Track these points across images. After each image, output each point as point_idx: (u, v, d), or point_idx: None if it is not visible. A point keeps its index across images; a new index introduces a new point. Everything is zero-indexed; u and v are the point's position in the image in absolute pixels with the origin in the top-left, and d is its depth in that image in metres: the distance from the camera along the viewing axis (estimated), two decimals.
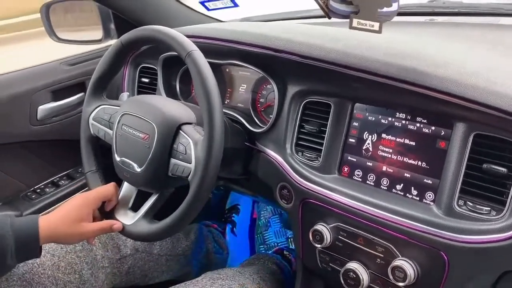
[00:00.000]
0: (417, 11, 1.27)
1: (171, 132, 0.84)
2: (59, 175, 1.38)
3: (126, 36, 0.92)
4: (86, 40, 1.43)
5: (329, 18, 0.75)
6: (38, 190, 1.33)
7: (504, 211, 0.69)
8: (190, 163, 0.81)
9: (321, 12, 0.76)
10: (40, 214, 0.82)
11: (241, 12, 1.51)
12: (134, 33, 0.90)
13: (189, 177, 0.81)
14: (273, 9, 1.57)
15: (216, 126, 0.78)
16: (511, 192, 0.68)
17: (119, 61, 0.96)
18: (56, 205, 1.30)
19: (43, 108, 1.28)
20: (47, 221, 0.80)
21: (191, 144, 0.82)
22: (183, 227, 0.85)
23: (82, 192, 0.92)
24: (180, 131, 0.84)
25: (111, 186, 0.90)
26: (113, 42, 0.97)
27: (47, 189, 1.34)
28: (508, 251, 0.67)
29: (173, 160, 0.84)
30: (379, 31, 0.73)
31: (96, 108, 0.97)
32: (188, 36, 0.85)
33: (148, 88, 1.25)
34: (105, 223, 0.87)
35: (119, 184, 0.94)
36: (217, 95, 0.80)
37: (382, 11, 0.73)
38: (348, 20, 0.74)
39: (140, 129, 0.86)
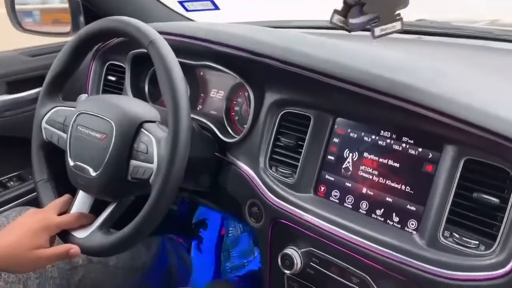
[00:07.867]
0: (404, 29, 1.23)
1: (132, 130, 0.77)
2: (9, 175, 1.28)
3: (84, 29, 0.86)
4: (53, 32, 1.40)
5: (350, 32, 0.74)
6: None
7: (494, 246, 0.63)
8: (152, 163, 0.75)
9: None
10: None
11: (222, 17, 1.45)
12: (93, 25, 0.85)
13: (151, 179, 0.75)
14: (258, 16, 1.51)
15: (182, 119, 0.73)
16: (503, 225, 0.63)
17: (77, 58, 0.90)
18: (2, 208, 1.19)
19: None
20: None
21: (154, 142, 0.76)
22: (144, 237, 0.78)
23: (37, 209, 0.84)
24: (142, 129, 0.78)
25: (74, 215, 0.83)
26: None
27: None
28: None
29: (133, 162, 0.77)
30: (402, 29, 0.72)
31: (50, 110, 0.90)
32: (159, 33, 0.79)
33: (115, 88, 1.17)
34: (62, 248, 0.79)
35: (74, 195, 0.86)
36: (183, 84, 0.75)
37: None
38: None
39: (97, 129, 0.79)
